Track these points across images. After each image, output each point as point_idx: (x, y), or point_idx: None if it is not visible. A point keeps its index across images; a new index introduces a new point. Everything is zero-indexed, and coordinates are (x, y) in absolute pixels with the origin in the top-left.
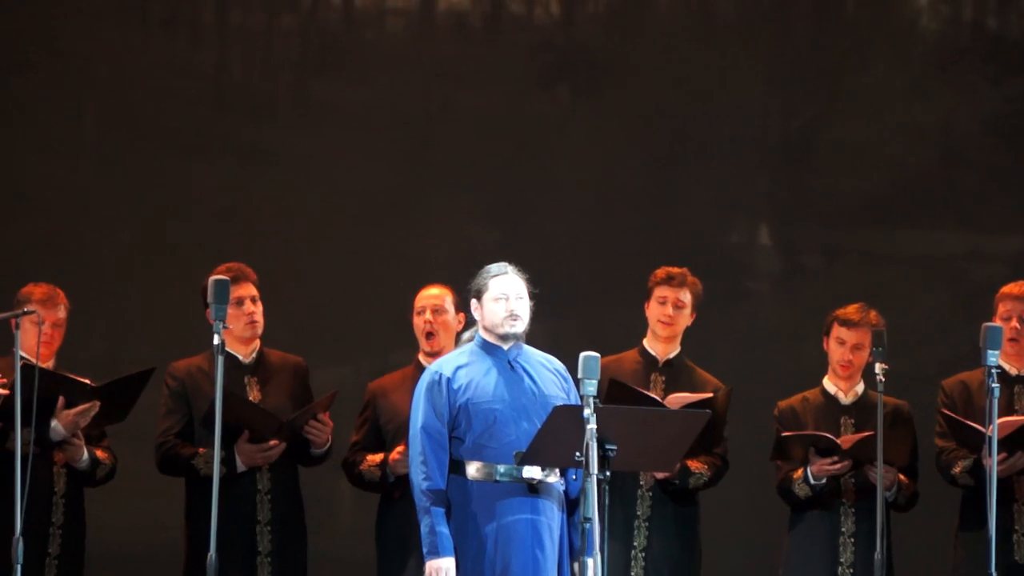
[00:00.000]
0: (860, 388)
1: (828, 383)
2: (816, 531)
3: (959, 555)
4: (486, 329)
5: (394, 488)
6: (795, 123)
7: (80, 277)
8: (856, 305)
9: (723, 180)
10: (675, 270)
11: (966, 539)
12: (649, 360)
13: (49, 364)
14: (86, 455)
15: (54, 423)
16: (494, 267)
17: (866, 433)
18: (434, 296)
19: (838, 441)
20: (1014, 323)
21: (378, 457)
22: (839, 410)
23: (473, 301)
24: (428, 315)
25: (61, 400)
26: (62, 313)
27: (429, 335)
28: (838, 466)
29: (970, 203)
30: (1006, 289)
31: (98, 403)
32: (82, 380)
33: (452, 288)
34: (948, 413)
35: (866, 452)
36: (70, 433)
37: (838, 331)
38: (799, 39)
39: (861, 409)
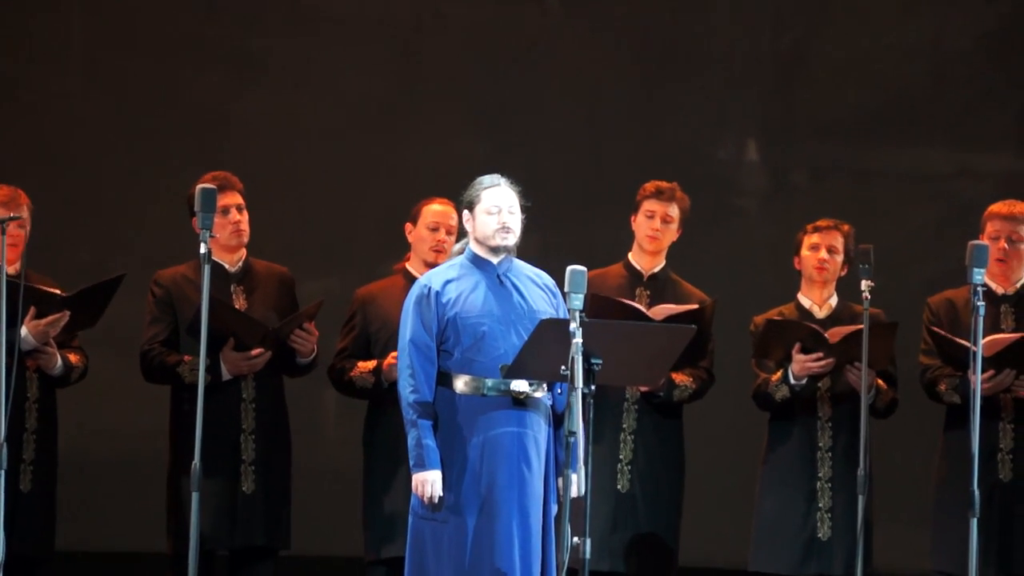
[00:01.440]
0: (834, 301)
1: (802, 297)
2: (793, 446)
3: (942, 470)
4: (477, 241)
5: (387, 394)
6: (785, 39)
7: (68, 185)
8: (826, 218)
9: (712, 96)
10: (664, 184)
11: (950, 455)
12: (634, 274)
13: (16, 266)
14: (59, 362)
15: (24, 332)
16: (487, 179)
17: (853, 327)
18: (448, 214)
19: (825, 334)
20: (1002, 243)
21: (370, 364)
22: (814, 323)
23: (465, 212)
24: (443, 233)
25: (32, 310)
26: (25, 213)
27: (439, 252)
28: (823, 363)
29: (960, 120)
30: (994, 208)
31: (68, 313)
32: (52, 290)
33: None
34: (935, 330)
35: (849, 351)
36: (40, 343)
37: (809, 238)
38: None
39: (836, 321)
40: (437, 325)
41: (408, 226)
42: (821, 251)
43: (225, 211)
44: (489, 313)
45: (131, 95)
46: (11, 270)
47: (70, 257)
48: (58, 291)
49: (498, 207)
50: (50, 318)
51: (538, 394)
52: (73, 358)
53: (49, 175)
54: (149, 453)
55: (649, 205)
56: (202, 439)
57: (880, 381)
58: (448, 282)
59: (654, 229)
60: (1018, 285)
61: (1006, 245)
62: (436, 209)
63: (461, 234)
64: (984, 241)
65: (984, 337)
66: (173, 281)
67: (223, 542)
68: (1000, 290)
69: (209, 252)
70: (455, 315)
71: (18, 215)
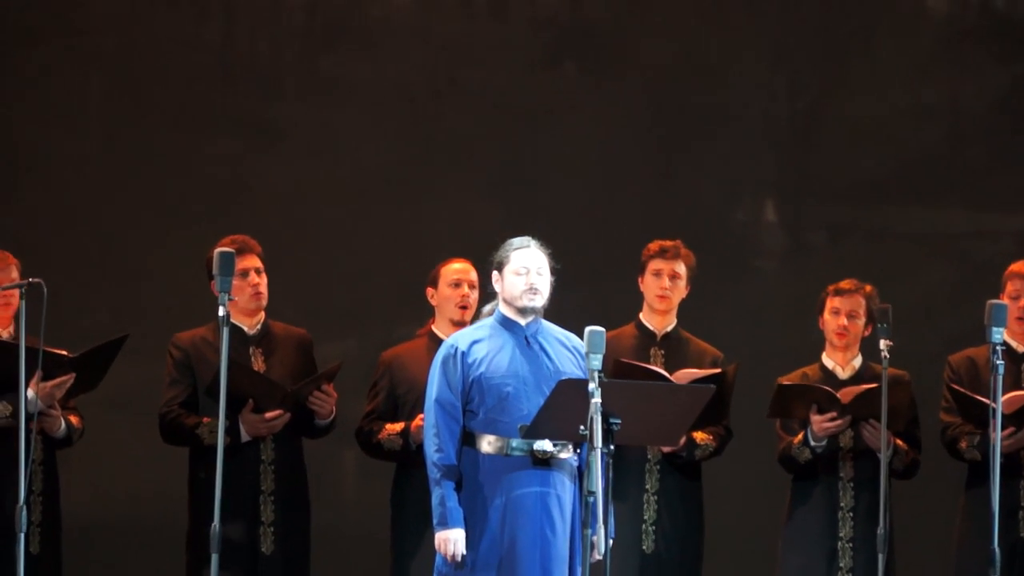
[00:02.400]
0: (858, 362)
1: (826, 359)
2: (815, 506)
3: (964, 528)
4: (505, 302)
5: (415, 455)
6: (802, 101)
7: (86, 251)
8: (848, 279)
9: (729, 157)
10: (668, 243)
11: (971, 512)
12: (647, 334)
13: (9, 330)
14: (63, 424)
15: (31, 394)
16: (516, 240)
17: (865, 387)
18: (467, 271)
19: (837, 395)
20: (1021, 302)
21: (398, 426)
22: (838, 385)
23: (494, 273)
24: (466, 288)
25: (38, 373)
26: (14, 274)
27: (465, 308)
28: (838, 422)
29: (976, 181)
30: (1015, 267)
31: (74, 375)
32: (59, 352)
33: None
34: (956, 388)
35: (864, 409)
36: (46, 405)
37: (832, 302)
38: (806, 16)
39: (860, 383)
40: (463, 385)
41: (429, 290)
42: (842, 317)
43: (244, 274)
44: (515, 374)
45: (149, 160)
46: (4, 333)
47: (86, 323)
48: (65, 352)
49: (527, 268)
50: (57, 380)
51: (563, 455)
52: (74, 420)
53: (66, 239)
54: (167, 516)
55: (655, 264)
56: (221, 501)
57: (899, 441)
58: (475, 343)
59: (663, 288)
60: None
61: None
62: (456, 267)
63: (487, 295)
64: (1004, 300)
65: (1005, 395)
66: (192, 344)
67: None
68: (1021, 348)
69: (228, 315)
70: (480, 375)
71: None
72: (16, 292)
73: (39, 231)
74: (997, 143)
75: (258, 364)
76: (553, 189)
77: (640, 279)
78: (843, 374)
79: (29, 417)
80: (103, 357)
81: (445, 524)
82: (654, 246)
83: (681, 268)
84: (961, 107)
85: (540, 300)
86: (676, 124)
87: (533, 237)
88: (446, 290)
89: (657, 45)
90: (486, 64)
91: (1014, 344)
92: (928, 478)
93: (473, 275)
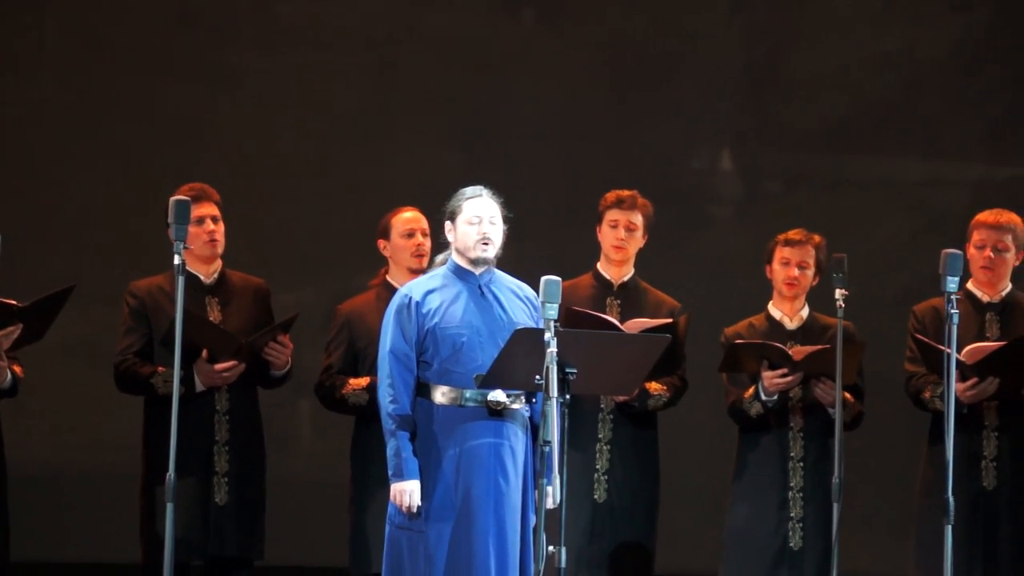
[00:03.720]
0: (805, 312)
1: (773, 308)
2: (764, 456)
3: (927, 475)
4: (458, 252)
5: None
6: (758, 49)
7: (41, 197)
8: (797, 229)
9: (686, 105)
10: (624, 193)
11: (933, 461)
12: (604, 284)
13: None
14: (9, 375)
15: None
16: (469, 189)
17: (818, 347)
18: (419, 219)
19: (789, 352)
20: (987, 251)
21: (363, 381)
22: (784, 335)
23: (447, 223)
24: (419, 237)
25: None
26: None
27: (421, 256)
28: (789, 378)
29: (932, 130)
30: (980, 217)
31: (20, 326)
32: (7, 302)
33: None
34: (920, 338)
35: (814, 366)
36: None
37: (781, 252)
38: None
39: (806, 333)
40: (417, 335)
41: (381, 242)
42: (792, 267)
43: (200, 221)
44: (469, 324)
45: (105, 106)
46: None
47: (42, 270)
48: (14, 302)
49: (479, 218)
50: (5, 331)
51: (516, 405)
52: (17, 369)
53: (21, 187)
54: (121, 465)
55: (612, 215)
56: (176, 450)
57: (847, 395)
58: (429, 292)
59: (619, 238)
60: (1003, 293)
61: (991, 254)
62: (407, 216)
63: (439, 245)
64: (970, 249)
65: (969, 344)
66: (148, 292)
67: (196, 552)
68: (985, 298)
69: (183, 263)
70: (435, 326)
71: None
72: None
73: None
74: (953, 92)
75: (214, 314)
76: (512, 137)
77: (598, 229)
78: (790, 324)
79: None
80: (50, 308)
81: (400, 475)
82: (611, 196)
83: (638, 219)
84: (917, 55)
85: (493, 250)
86: (633, 72)
87: (491, 185)
88: (399, 240)
89: None
90: (446, 12)
91: (979, 294)
92: (877, 428)
93: (424, 223)
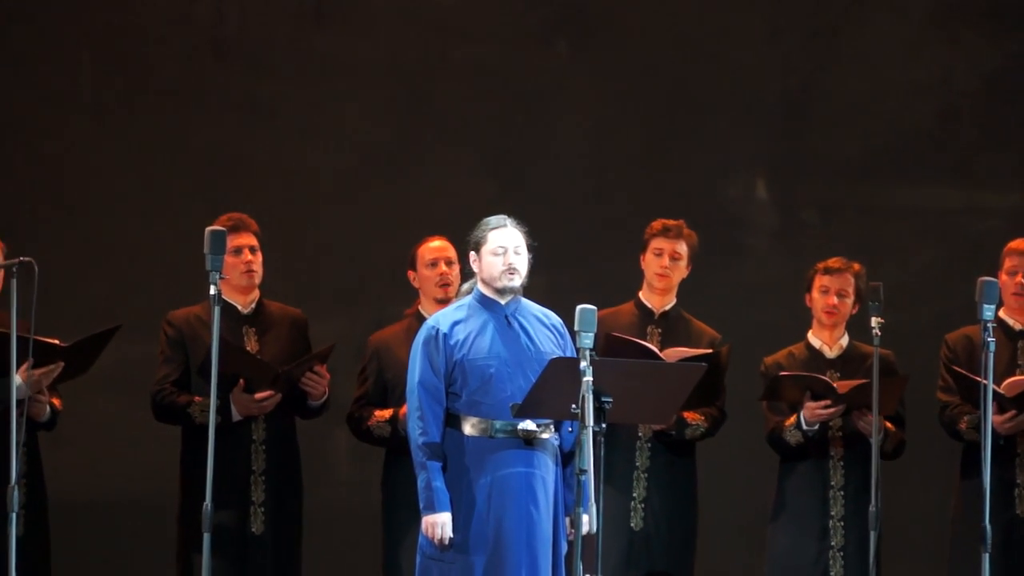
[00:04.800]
0: (844, 341)
1: (812, 337)
2: (805, 485)
3: (958, 505)
4: (484, 282)
5: (404, 441)
6: (793, 78)
7: (78, 230)
8: (837, 257)
9: (721, 134)
10: (671, 222)
11: (966, 490)
12: (645, 312)
13: None
14: (48, 409)
15: (18, 381)
16: (493, 219)
17: (861, 380)
18: (444, 248)
19: (834, 384)
20: (1019, 278)
21: (387, 413)
22: (824, 364)
23: (472, 253)
24: (443, 266)
25: (29, 361)
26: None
27: (446, 285)
28: (832, 410)
29: (967, 159)
30: (1013, 244)
31: (63, 363)
32: (51, 341)
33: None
34: (956, 369)
35: (858, 399)
36: (33, 392)
37: (820, 280)
38: None
39: (846, 362)
40: (445, 367)
41: (410, 273)
42: (831, 295)
43: (238, 251)
44: (497, 355)
45: (141, 141)
46: None
47: (79, 303)
48: (57, 342)
49: (504, 248)
50: (45, 369)
51: (545, 435)
52: (56, 402)
53: (58, 220)
54: (157, 495)
55: (657, 243)
56: (212, 480)
57: (889, 424)
58: (456, 324)
59: (663, 267)
60: None
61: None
62: (432, 246)
63: (466, 273)
64: (1003, 276)
65: (1002, 370)
66: (185, 322)
67: None
68: (1018, 326)
69: (219, 293)
70: (463, 357)
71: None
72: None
73: (29, 211)
74: (988, 121)
75: (251, 343)
76: (545, 167)
77: (642, 257)
78: (830, 353)
79: (17, 403)
80: (94, 346)
81: (432, 508)
82: (657, 224)
83: (683, 248)
84: (953, 84)
85: (518, 280)
86: (668, 102)
87: (525, 215)
88: (424, 271)
89: (649, 22)
90: (479, 43)
91: (1011, 321)
92: (917, 457)
93: (451, 252)
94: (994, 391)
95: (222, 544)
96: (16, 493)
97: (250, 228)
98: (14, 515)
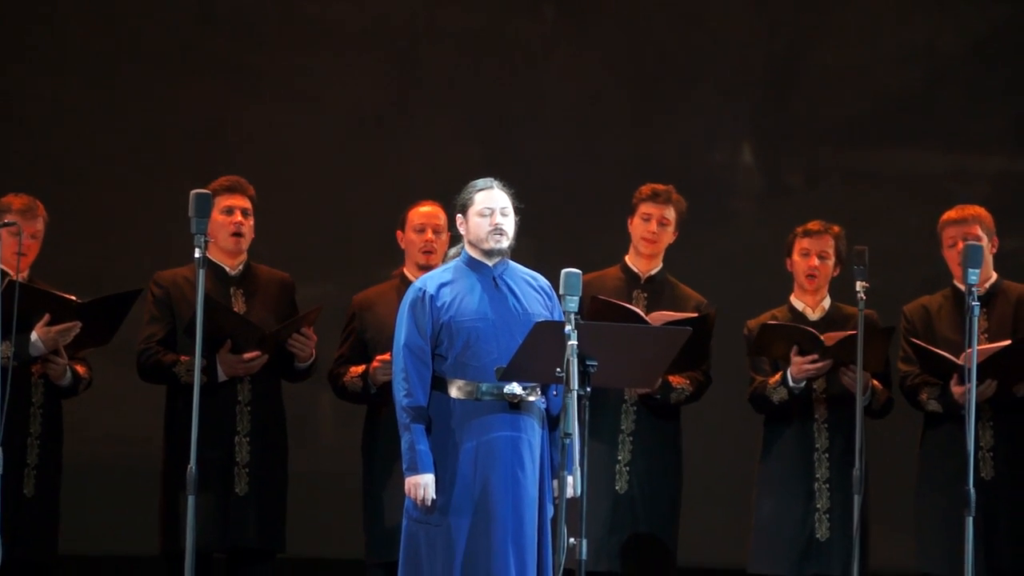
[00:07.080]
0: (827, 303)
1: (795, 300)
2: (789, 448)
3: (921, 473)
4: (471, 244)
5: (377, 398)
6: (780, 43)
7: (67, 193)
8: (816, 220)
9: (707, 100)
10: (660, 187)
11: (926, 457)
12: (631, 276)
13: (23, 276)
14: (69, 373)
15: (34, 337)
16: (479, 181)
17: (848, 332)
18: (434, 215)
19: (821, 337)
20: (960, 245)
21: (360, 368)
22: (807, 325)
23: (458, 216)
24: (430, 233)
25: (46, 316)
26: (40, 225)
27: (429, 252)
28: (819, 365)
29: (953, 124)
30: (945, 216)
31: (79, 323)
32: (67, 296)
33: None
34: (916, 342)
35: (844, 354)
36: (49, 349)
37: (800, 243)
38: None
39: (829, 324)
40: (431, 329)
41: (399, 233)
42: (812, 258)
43: (229, 211)
44: (483, 317)
45: (129, 104)
46: (20, 279)
47: (71, 266)
48: (73, 297)
49: (491, 209)
50: (62, 326)
51: (532, 398)
52: (80, 370)
53: (49, 185)
54: (147, 457)
55: (645, 208)
56: (197, 440)
57: (876, 382)
58: (443, 286)
59: (651, 231)
60: (987, 285)
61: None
62: (422, 211)
63: (454, 237)
64: (944, 251)
65: (958, 338)
66: (173, 282)
67: (215, 544)
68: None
69: (204, 255)
70: (449, 318)
71: (12, 222)
72: (34, 244)
73: (15, 175)
74: (974, 86)
75: (239, 304)
76: (533, 133)
77: (629, 221)
78: (812, 315)
79: (32, 360)
80: (114, 309)
81: (415, 469)
82: (646, 189)
83: (671, 213)
84: (939, 50)
85: (506, 241)
86: (654, 68)
87: (512, 180)
88: (411, 234)
89: None
90: (467, 8)
91: (961, 287)
92: (901, 419)
93: (440, 218)
94: (952, 363)
95: (206, 504)
96: (0, 454)
97: (245, 192)
98: None
